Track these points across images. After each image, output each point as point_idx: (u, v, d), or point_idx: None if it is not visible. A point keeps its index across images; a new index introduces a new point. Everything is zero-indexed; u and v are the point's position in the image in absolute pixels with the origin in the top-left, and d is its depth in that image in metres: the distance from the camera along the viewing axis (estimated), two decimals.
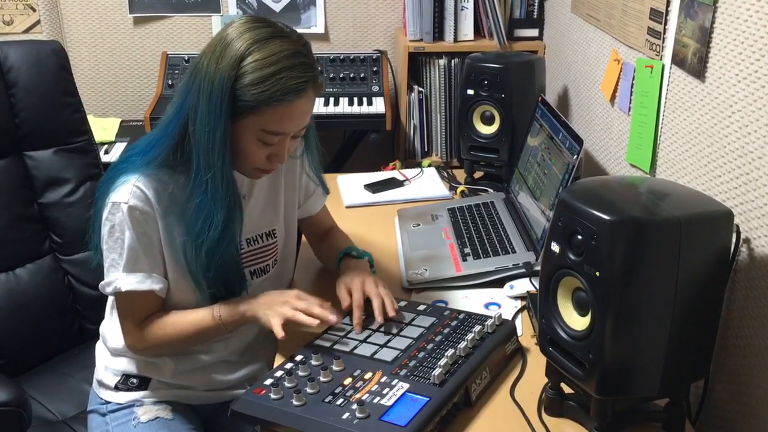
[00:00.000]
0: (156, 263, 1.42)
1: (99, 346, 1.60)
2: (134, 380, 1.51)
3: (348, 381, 1.26)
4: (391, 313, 1.44)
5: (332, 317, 1.37)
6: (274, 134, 1.36)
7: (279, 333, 1.34)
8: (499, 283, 1.67)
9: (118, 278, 1.40)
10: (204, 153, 1.35)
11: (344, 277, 1.54)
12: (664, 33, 1.61)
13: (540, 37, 2.75)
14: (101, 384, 1.55)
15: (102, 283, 1.43)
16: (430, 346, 1.36)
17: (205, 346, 1.52)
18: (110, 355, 1.55)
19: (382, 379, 1.26)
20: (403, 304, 1.53)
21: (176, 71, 2.84)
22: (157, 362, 1.51)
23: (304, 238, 1.79)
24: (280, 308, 1.37)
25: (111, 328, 1.55)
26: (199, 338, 1.47)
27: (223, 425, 1.56)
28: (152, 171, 1.39)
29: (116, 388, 1.52)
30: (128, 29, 2.99)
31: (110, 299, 1.57)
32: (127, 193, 1.37)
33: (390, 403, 1.20)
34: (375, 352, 1.35)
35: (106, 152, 2.65)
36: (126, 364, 1.52)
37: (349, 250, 1.62)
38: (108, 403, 1.52)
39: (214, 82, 1.31)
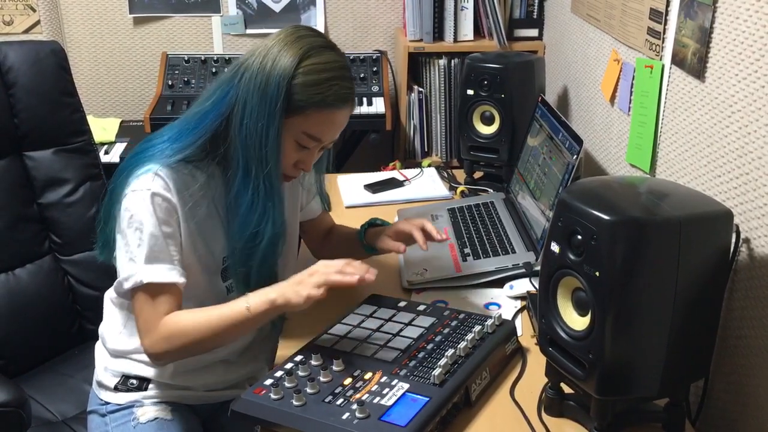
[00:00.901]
0: (178, 255, 1.36)
1: (98, 347, 1.60)
2: (134, 381, 1.51)
3: (348, 381, 1.26)
4: (439, 237, 1.54)
5: (369, 275, 1.32)
6: (313, 139, 1.39)
7: (321, 294, 1.30)
8: (499, 283, 1.67)
9: (138, 270, 1.33)
10: (255, 150, 1.35)
11: (383, 235, 1.59)
12: (664, 33, 1.61)
13: (540, 37, 2.75)
14: (101, 385, 1.55)
15: (119, 279, 1.36)
16: (430, 346, 1.36)
17: None
18: (109, 356, 1.55)
19: (382, 379, 1.26)
20: (402, 304, 1.53)
21: (176, 71, 2.84)
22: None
23: (303, 241, 1.79)
24: (311, 279, 1.32)
25: (110, 330, 1.55)
26: (229, 334, 1.37)
27: (223, 425, 1.56)
28: (176, 164, 1.37)
29: (116, 389, 1.52)
30: (128, 29, 2.99)
31: (107, 300, 1.57)
32: (150, 180, 1.35)
33: (390, 403, 1.20)
34: (375, 352, 1.35)
35: (106, 152, 2.65)
36: (125, 365, 1.52)
37: (373, 221, 1.66)
38: (107, 403, 1.52)
39: (271, 78, 1.33)
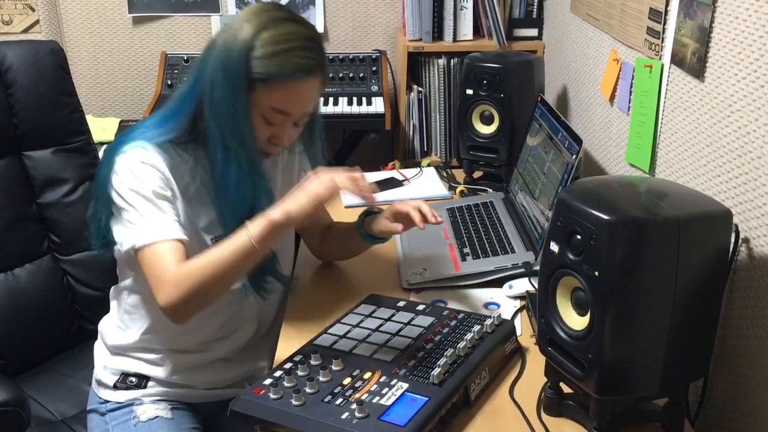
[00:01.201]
0: (176, 218, 1.36)
1: (97, 345, 1.60)
2: (133, 379, 1.51)
3: (347, 381, 1.26)
4: (434, 220, 1.51)
5: (370, 193, 1.35)
6: (279, 112, 1.38)
7: (328, 194, 1.31)
8: (498, 283, 1.67)
9: (139, 231, 1.32)
10: (228, 125, 1.36)
11: (380, 219, 1.57)
12: (664, 33, 1.61)
13: (539, 37, 2.75)
14: (100, 383, 1.55)
15: (119, 242, 1.36)
16: (429, 345, 1.36)
17: (203, 345, 1.51)
18: (109, 354, 1.55)
19: (382, 379, 1.26)
20: (402, 304, 1.53)
21: (175, 71, 2.84)
22: (156, 360, 1.51)
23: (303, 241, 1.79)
24: (313, 187, 1.32)
25: (108, 325, 1.55)
26: (237, 266, 1.33)
27: (223, 424, 1.56)
28: (163, 144, 1.39)
29: (115, 387, 1.52)
30: (127, 29, 2.99)
31: (114, 293, 1.57)
32: (140, 153, 1.37)
33: (389, 402, 1.19)
34: (374, 352, 1.35)
35: None
36: (124, 363, 1.52)
37: (371, 209, 1.64)
38: (107, 402, 1.52)
39: (231, 53, 1.34)
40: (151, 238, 1.31)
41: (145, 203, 1.34)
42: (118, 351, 1.53)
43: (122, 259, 1.47)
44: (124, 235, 1.35)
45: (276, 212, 1.30)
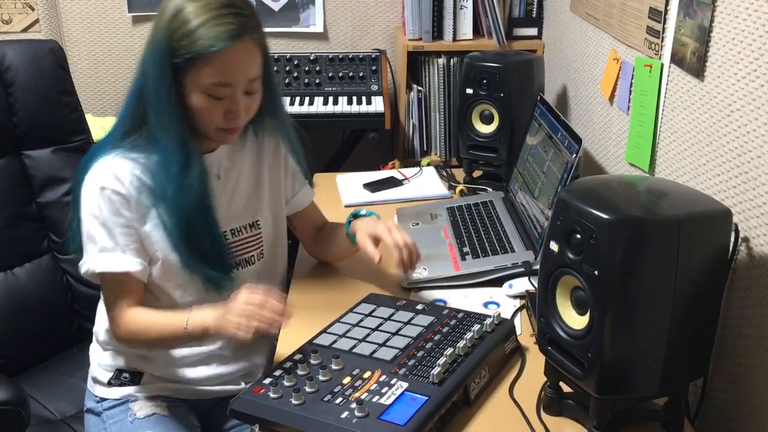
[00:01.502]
0: (133, 244, 1.41)
1: (92, 346, 1.60)
2: (127, 374, 1.52)
3: (347, 380, 1.26)
4: (411, 263, 1.52)
5: (284, 317, 1.32)
6: (220, 86, 1.36)
7: (244, 339, 1.30)
8: (498, 282, 1.67)
9: (93, 258, 1.40)
10: (156, 113, 1.38)
11: (363, 229, 1.57)
12: (663, 32, 1.61)
13: (539, 36, 2.75)
14: (95, 380, 1.55)
15: (79, 263, 1.43)
16: (429, 345, 1.36)
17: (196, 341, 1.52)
18: (102, 350, 1.55)
19: (381, 378, 1.26)
20: (401, 303, 1.53)
21: None
22: (149, 356, 1.51)
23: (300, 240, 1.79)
24: (233, 318, 1.32)
25: (102, 323, 1.55)
26: (172, 343, 1.46)
27: (220, 421, 1.56)
28: (127, 151, 1.41)
29: (109, 383, 1.52)
30: (127, 28, 2.99)
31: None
32: (100, 173, 1.39)
33: (389, 402, 1.19)
34: (374, 351, 1.35)
35: None
36: (118, 359, 1.52)
37: (357, 212, 1.65)
38: (103, 400, 1.52)
39: (155, 41, 1.36)
40: (99, 268, 1.40)
41: (102, 232, 1.39)
42: (110, 347, 1.53)
43: (84, 275, 1.48)
44: (84, 258, 1.42)
45: (214, 325, 1.35)
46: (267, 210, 1.59)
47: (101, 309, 1.55)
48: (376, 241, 1.55)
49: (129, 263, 1.40)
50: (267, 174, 1.59)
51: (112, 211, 1.39)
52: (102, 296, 1.48)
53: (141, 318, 1.42)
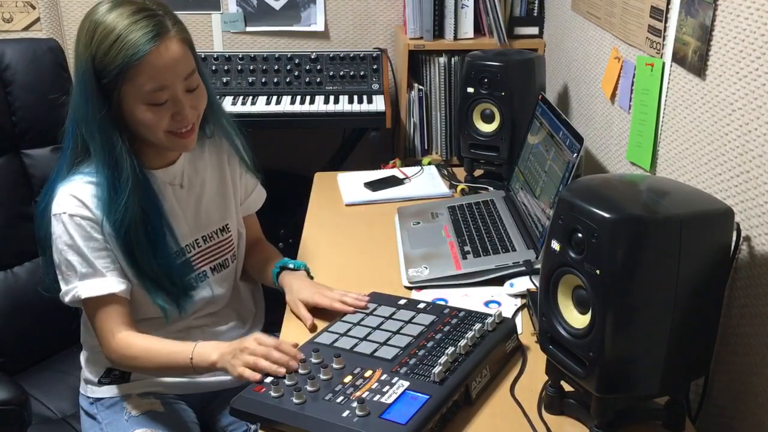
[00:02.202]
0: (111, 265, 1.40)
1: (82, 353, 1.60)
2: (116, 372, 1.52)
3: (348, 379, 1.26)
4: (362, 305, 1.49)
5: (293, 363, 1.29)
6: (158, 90, 1.35)
7: (253, 378, 1.27)
8: (499, 281, 1.66)
9: (76, 287, 1.39)
10: (92, 140, 1.37)
11: (295, 293, 1.54)
12: (665, 31, 1.61)
13: (540, 35, 2.75)
14: (87, 381, 1.56)
15: (61, 293, 1.42)
16: (430, 344, 1.36)
17: (185, 333, 1.53)
18: (91, 353, 1.55)
19: (382, 377, 1.26)
20: (402, 302, 1.53)
21: None
22: None
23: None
24: (242, 356, 1.31)
25: (87, 329, 1.55)
26: (171, 372, 1.46)
27: (216, 416, 1.56)
28: (83, 176, 1.40)
29: (100, 382, 1.52)
30: None
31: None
32: (63, 202, 1.38)
33: (390, 401, 1.19)
34: (375, 350, 1.35)
35: None
36: (107, 360, 1.52)
37: (285, 263, 1.62)
38: (96, 401, 1.52)
39: (79, 68, 1.36)
40: (89, 293, 1.38)
41: (79, 259, 1.38)
42: (97, 350, 1.53)
43: (69, 303, 1.46)
44: (64, 289, 1.41)
45: (220, 362, 1.34)
46: (233, 211, 1.60)
47: (86, 322, 1.55)
48: (310, 305, 1.52)
49: (111, 285, 1.39)
50: (229, 174, 1.60)
51: (84, 237, 1.38)
52: (90, 322, 1.45)
53: (139, 345, 1.41)
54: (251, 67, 2.75)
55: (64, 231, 1.38)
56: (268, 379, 1.27)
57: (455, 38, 2.71)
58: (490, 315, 1.43)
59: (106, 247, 1.39)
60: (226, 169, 1.59)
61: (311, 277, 1.64)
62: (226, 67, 2.75)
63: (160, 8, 1.38)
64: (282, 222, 2.64)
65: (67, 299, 1.41)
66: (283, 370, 1.27)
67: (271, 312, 1.72)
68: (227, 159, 1.60)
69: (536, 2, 2.72)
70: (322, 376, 1.26)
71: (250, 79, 2.73)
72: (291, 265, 1.62)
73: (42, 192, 1.46)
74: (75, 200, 1.38)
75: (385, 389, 1.22)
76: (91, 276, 1.38)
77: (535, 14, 2.74)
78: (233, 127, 1.59)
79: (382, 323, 1.44)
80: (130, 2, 1.36)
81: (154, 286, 1.43)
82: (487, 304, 1.60)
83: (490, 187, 2.17)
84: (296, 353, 1.31)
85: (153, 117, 1.36)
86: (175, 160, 1.50)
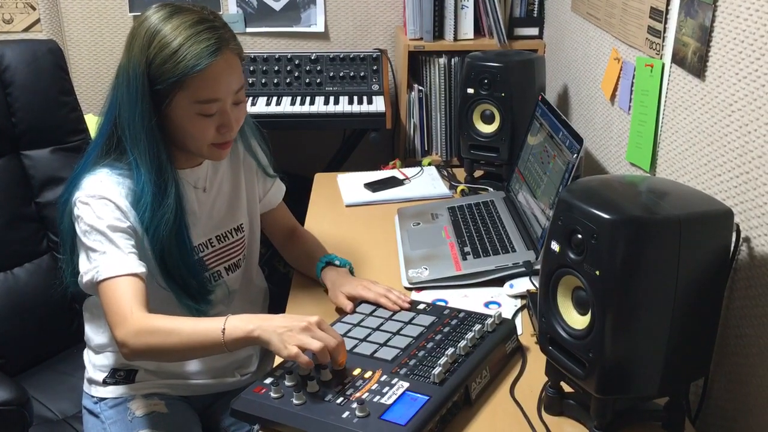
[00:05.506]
0: (134, 249, 1.37)
1: (85, 352, 1.60)
2: (121, 373, 1.52)
3: (348, 380, 1.26)
4: (406, 306, 1.49)
5: (342, 358, 1.26)
6: (209, 102, 1.36)
7: (304, 361, 1.21)
8: (499, 282, 1.66)
9: (98, 266, 1.34)
10: (133, 143, 1.36)
11: (338, 286, 1.55)
12: (665, 32, 1.61)
13: (540, 36, 2.75)
14: (91, 381, 1.56)
15: (80, 275, 1.37)
16: (430, 344, 1.36)
17: None
18: (95, 353, 1.55)
19: (382, 378, 1.26)
20: None
21: None
22: None
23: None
24: (299, 335, 1.22)
25: (92, 328, 1.55)
26: (198, 349, 1.32)
27: (221, 419, 1.56)
28: (111, 172, 1.39)
29: (104, 382, 1.52)
30: (129, 28, 2.94)
31: (87, 303, 1.58)
32: (91, 188, 1.37)
33: (390, 401, 1.19)
34: (375, 351, 1.35)
35: None
36: (111, 359, 1.53)
37: (331, 259, 1.64)
38: (101, 400, 1.52)
39: (130, 71, 1.34)
40: (110, 272, 1.32)
41: (102, 239, 1.35)
42: (102, 349, 1.53)
43: (86, 287, 1.41)
44: (85, 268, 1.36)
45: (259, 330, 1.24)
46: (246, 211, 1.61)
47: (92, 316, 1.55)
48: (352, 297, 1.53)
49: (133, 265, 1.34)
50: (243, 174, 1.60)
51: (112, 217, 1.36)
52: (104, 305, 1.35)
53: (159, 319, 1.30)
54: (251, 68, 2.75)
55: (89, 212, 1.36)
56: (268, 380, 1.27)
57: (455, 39, 2.71)
58: (490, 316, 1.43)
59: (131, 231, 1.38)
60: (240, 170, 1.59)
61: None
62: None
63: (217, 20, 1.39)
64: None
65: (85, 279, 1.34)
66: (326, 361, 1.23)
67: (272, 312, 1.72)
68: (242, 158, 1.60)
69: (536, 3, 2.73)
70: (322, 377, 1.26)
71: (251, 80, 2.73)
72: (337, 262, 1.64)
73: (66, 183, 1.45)
74: (103, 186, 1.37)
75: (385, 390, 1.23)
76: (113, 255, 1.34)
77: (535, 15, 2.74)
78: (251, 127, 1.60)
79: (382, 324, 1.44)
80: (188, 10, 1.37)
81: (179, 287, 1.42)
82: (487, 305, 1.60)
83: (490, 188, 2.17)
84: (343, 359, 1.27)
85: (200, 127, 1.37)
86: (201, 162, 1.51)
